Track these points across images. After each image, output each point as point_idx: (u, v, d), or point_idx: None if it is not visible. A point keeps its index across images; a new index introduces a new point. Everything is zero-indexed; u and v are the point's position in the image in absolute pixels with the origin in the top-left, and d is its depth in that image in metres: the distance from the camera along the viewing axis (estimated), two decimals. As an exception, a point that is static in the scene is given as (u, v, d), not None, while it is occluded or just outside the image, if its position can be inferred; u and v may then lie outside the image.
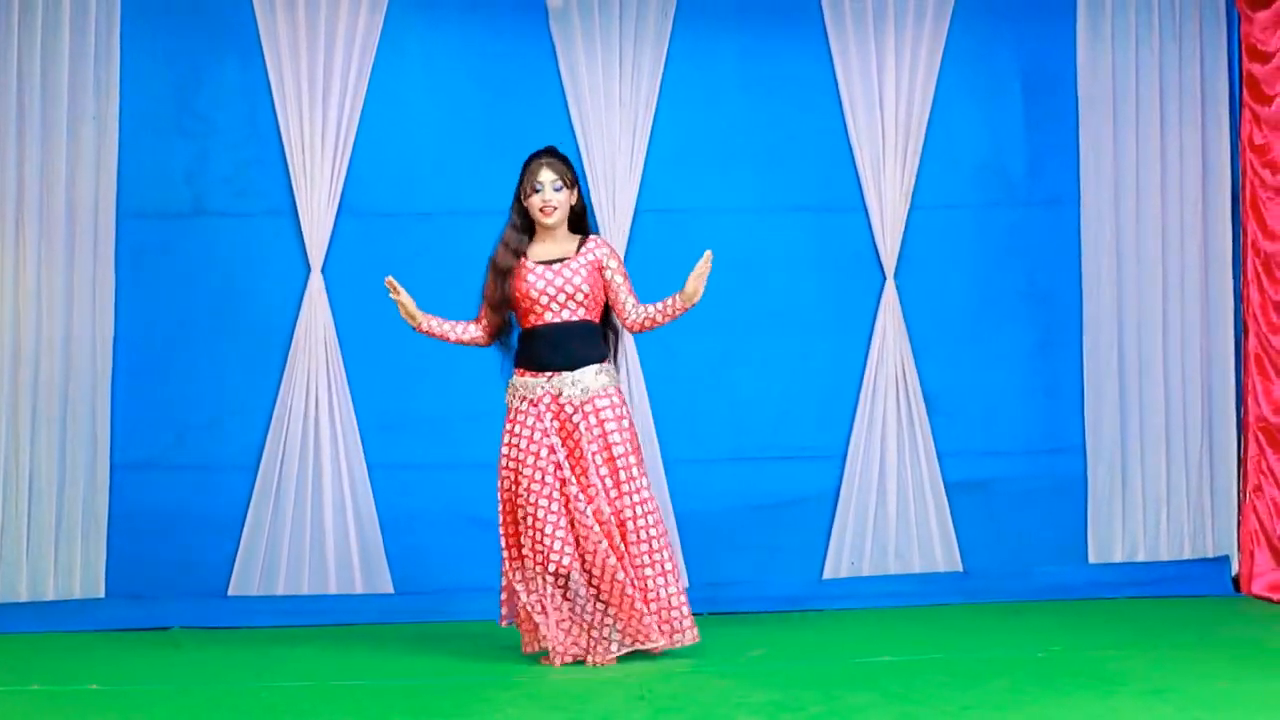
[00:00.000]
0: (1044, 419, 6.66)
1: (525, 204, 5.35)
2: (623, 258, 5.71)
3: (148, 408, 6.29)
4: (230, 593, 6.26)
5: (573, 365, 5.26)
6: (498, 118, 6.46)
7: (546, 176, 5.30)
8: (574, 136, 6.39)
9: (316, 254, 6.34)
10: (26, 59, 6.19)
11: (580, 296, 5.27)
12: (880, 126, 6.58)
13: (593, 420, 5.23)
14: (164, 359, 6.31)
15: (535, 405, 5.26)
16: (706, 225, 6.42)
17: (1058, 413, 6.65)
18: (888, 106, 6.57)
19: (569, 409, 5.24)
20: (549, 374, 5.26)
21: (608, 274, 5.34)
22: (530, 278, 5.28)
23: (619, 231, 6.37)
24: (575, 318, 5.29)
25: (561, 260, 5.31)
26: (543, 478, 5.18)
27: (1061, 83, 6.65)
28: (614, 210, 6.41)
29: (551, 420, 5.24)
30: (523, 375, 5.31)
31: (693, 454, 6.40)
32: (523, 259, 5.32)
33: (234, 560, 6.27)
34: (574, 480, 5.19)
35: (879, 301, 6.56)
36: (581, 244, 5.36)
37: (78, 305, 6.23)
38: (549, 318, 5.27)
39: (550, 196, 5.28)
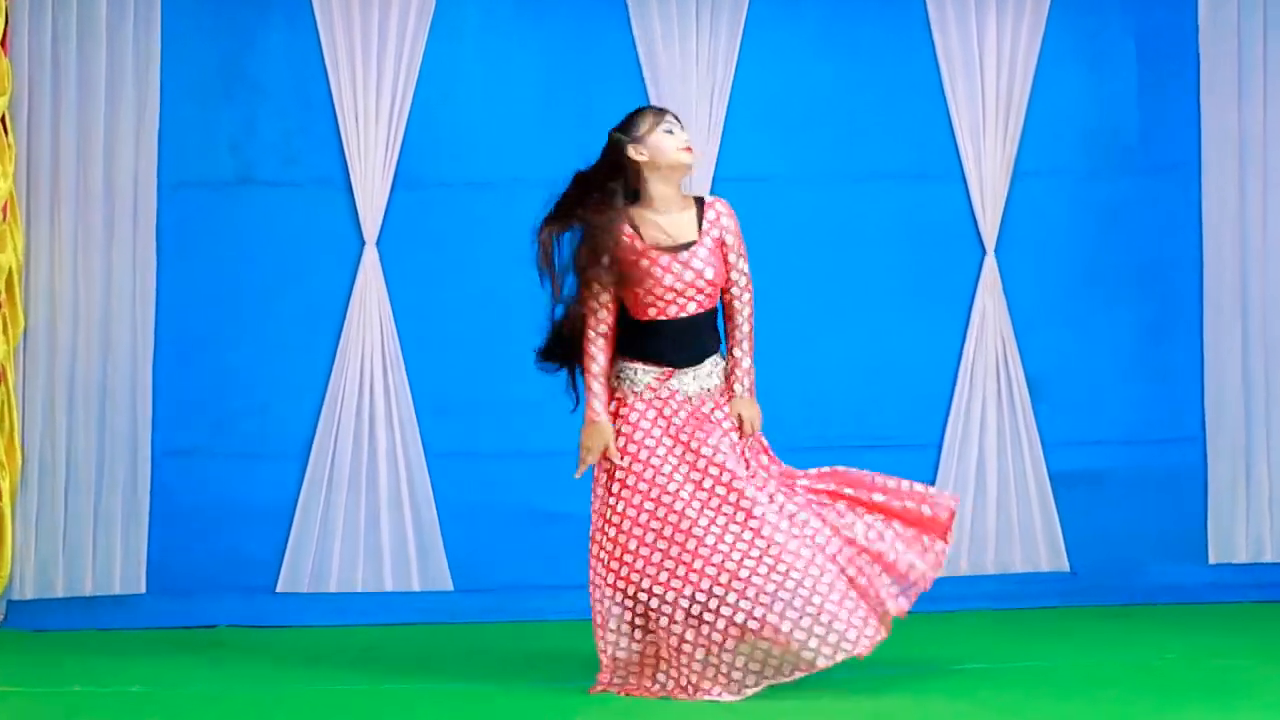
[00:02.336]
0: (1159, 405, 6.63)
1: (641, 149, 4.99)
2: None
3: (191, 392, 6.35)
4: (279, 589, 6.32)
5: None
6: (563, 80, 6.47)
7: (673, 121, 5.05)
8: (647, 99, 6.36)
9: (371, 227, 6.38)
10: (61, 19, 6.24)
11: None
12: (980, 86, 6.54)
13: None
14: (208, 339, 6.38)
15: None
16: (790, 194, 6.42)
17: (1175, 399, 6.63)
18: (988, 64, 6.54)
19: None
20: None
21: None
22: (644, 263, 4.98)
23: (696, 201, 6.41)
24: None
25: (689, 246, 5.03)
26: None
27: (1181, 39, 6.61)
28: (690, 178, 6.27)
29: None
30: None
31: (772, 442, 6.24)
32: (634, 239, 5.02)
33: (283, 555, 6.32)
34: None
35: (978, 277, 6.55)
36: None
37: (116, 282, 6.29)
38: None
39: (687, 137, 5.04)
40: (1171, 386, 6.63)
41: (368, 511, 6.35)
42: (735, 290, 5.09)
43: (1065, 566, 6.54)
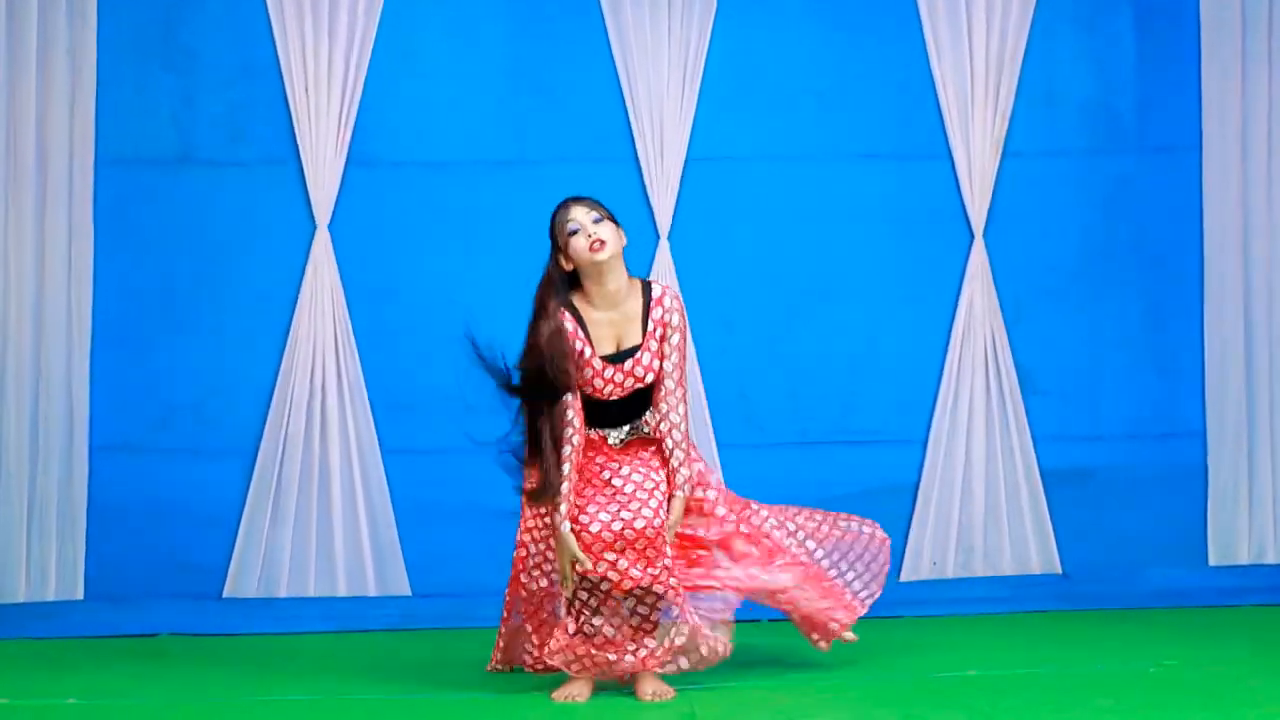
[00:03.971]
0: (1157, 398, 6.66)
1: (568, 255, 5.15)
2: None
3: (131, 384, 6.35)
4: (225, 595, 6.32)
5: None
6: (528, 53, 6.51)
7: (579, 212, 5.13)
8: (615, 74, 6.43)
9: (323, 208, 6.38)
10: (-12, -19, 6.26)
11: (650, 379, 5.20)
12: (968, 59, 6.56)
13: None
14: (149, 328, 6.37)
15: None
16: (765, 175, 6.46)
17: (1173, 391, 6.66)
18: (977, 35, 6.57)
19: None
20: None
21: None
22: (588, 372, 5.15)
23: (667, 183, 6.41)
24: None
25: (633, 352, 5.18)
26: None
27: (1181, 7, 6.64)
28: (661, 159, 6.44)
29: None
30: None
31: (748, 438, 6.44)
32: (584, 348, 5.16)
33: (230, 558, 6.33)
34: None
35: (965, 263, 6.57)
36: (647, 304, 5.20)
37: (50, 266, 6.29)
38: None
39: (595, 229, 5.07)
40: (1170, 378, 6.66)
41: (320, 512, 6.35)
42: (664, 391, 5.17)
43: (1058, 569, 6.57)
